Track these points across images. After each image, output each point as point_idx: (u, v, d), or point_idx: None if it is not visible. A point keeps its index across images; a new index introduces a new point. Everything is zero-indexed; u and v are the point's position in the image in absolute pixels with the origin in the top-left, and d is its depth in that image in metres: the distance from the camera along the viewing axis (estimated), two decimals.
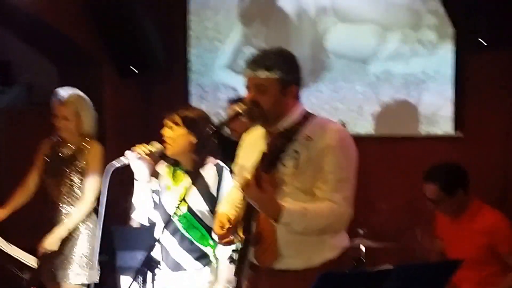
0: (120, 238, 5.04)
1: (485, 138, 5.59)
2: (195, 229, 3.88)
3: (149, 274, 3.21)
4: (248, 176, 2.92)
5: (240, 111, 3.12)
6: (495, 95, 5.57)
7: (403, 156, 6.01)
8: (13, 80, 7.61)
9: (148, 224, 4.05)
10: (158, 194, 4.00)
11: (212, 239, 3.84)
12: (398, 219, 5.83)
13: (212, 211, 3.82)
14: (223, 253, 3.82)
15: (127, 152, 3.88)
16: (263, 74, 3.05)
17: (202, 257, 3.91)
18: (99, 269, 4.65)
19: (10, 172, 4.85)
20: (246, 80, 3.12)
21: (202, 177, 3.87)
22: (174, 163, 3.99)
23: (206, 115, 4.00)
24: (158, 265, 3.02)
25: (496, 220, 4.30)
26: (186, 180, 3.90)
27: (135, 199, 4.01)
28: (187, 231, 3.06)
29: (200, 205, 3.86)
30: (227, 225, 3.14)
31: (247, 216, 3.11)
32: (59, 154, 4.68)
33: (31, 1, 6.08)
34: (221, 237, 3.17)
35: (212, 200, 3.83)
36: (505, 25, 4.91)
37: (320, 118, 3.21)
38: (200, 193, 3.87)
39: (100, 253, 4.66)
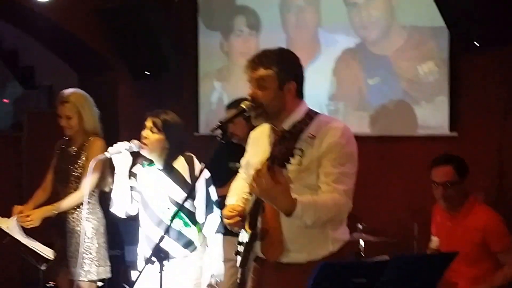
0: (130, 233, 4.97)
1: (479, 137, 5.49)
2: (179, 217, 3.98)
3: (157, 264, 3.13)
4: (260, 168, 2.85)
5: (245, 107, 3.06)
6: (489, 94, 5.48)
7: (399, 155, 5.93)
8: (36, 84, 7.64)
9: (125, 217, 4.18)
10: (135, 190, 4.10)
11: (196, 223, 4.02)
12: (396, 215, 5.75)
13: (191, 196, 3.98)
14: (209, 230, 4.03)
15: (109, 148, 4.02)
16: (261, 70, 3.05)
17: (189, 244, 4.05)
18: (110, 265, 4.55)
19: (34, 172, 4.80)
20: (248, 77, 3.10)
21: (176, 170, 4.02)
22: (149, 163, 4.09)
23: (182, 123, 4.12)
24: (167, 256, 2.99)
25: (489, 218, 4.22)
26: (161, 176, 4.02)
27: (113, 193, 4.11)
28: (171, 221, 3.06)
29: (180, 195, 3.96)
30: (237, 212, 3.13)
31: (254, 212, 3.07)
32: (67, 152, 4.59)
33: (53, 9, 6.17)
34: (229, 219, 3.15)
35: (188, 187, 3.95)
36: (497, 26, 4.84)
37: (324, 116, 3.19)
38: (178, 184, 4.00)
39: (112, 248, 4.61)
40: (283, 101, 3.06)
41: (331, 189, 2.96)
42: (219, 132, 2.97)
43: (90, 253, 4.44)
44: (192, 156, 4.07)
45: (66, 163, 4.55)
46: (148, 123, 4.01)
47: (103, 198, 4.56)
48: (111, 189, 4.21)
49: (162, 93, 7.05)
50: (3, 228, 4.32)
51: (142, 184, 4.10)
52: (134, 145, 4.00)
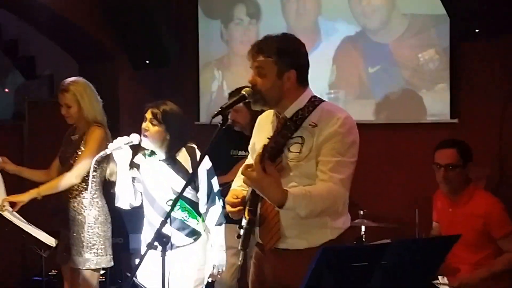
0: (133, 221, 4.97)
1: (480, 124, 5.50)
2: (183, 208, 3.99)
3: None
4: (252, 161, 2.88)
5: (245, 93, 3.05)
6: (489, 82, 5.48)
7: (400, 142, 5.94)
8: (37, 74, 7.64)
9: (129, 209, 4.20)
10: (139, 182, 4.12)
11: (199, 213, 4.03)
12: (397, 202, 5.76)
13: (194, 187, 3.99)
14: (211, 221, 4.05)
15: (109, 144, 4.04)
16: (260, 57, 3.02)
17: (192, 233, 4.05)
18: (112, 254, 4.54)
19: (35, 161, 4.80)
20: (249, 63, 3.08)
21: (178, 162, 4.02)
22: (151, 153, 4.09)
23: (182, 113, 4.10)
24: (169, 241, 2.98)
25: (489, 204, 4.21)
26: (163, 167, 4.02)
27: (117, 188, 4.12)
28: (171, 210, 3.06)
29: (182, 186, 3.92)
30: (240, 200, 3.12)
31: (254, 198, 3.05)
32: (70, 140, 4.60)
33: None
34: (232, 207, 3.14)
35: (190, 178, 3.94)
36: (498, 14, 4.83)
37: (327, 104, 3.14)
38: (181, 176, 3.99)
39: (114, 236, 4.61)
40: (282, 89, 3.03)
41: (327, 178, 2.93)
42: (219, 118, 2.95)
43: (90, 242, 4.43)
44: (194, 148, 4.06)
45: (68, 150, 4.55)
46: (148, 115, 4.00)
47: (106, 187, 4.56)
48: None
49: (162, 82, 7.07)
50: (5, 216, 4.32)
51: (144, 175, 4.11)
52: (134, 139, 4.00)
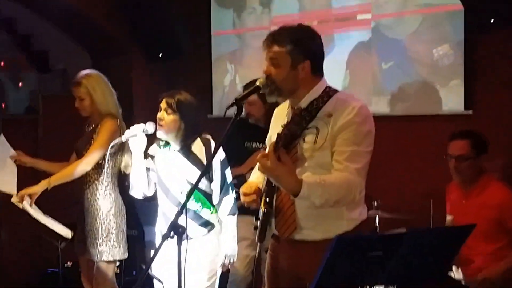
0: (147, 214, 4.98)
1: (494, 116, 5.48)
2: (197, 198, 4.01)
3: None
4: (267, 151, 2.87)
5: (259, 84, 3.06)
6: (504, 74, 5.46)
7: (414, 134, 5.93)
8: (50, 68, 7.67)
9: (144, 201, 4.25)
10: (153, 171, 4.14)
11: (212, 204, 4.06)
12: (412, 193, 5.76)
13: (208, 178, 4.01)
14: (224, 211, 4.08)
15: (125, 131, 4.07)
16: (275, 47, 3.02)
17: (206, 224, 4.08)
18: (126, 246, 4.55)
19: (49, 155, 4.82)
20: (264, 54, 3.07)
21: (193, 153, 4.04)
22: (165, 144, 4.10)
23: (196, 102, 4.11)
24: (184, 231, 2.99)
25: (504, 195, 4.20)
26: (178, 158, 4.04)
27: (131, 176, 4.15)
28: (187, 201, 3.07)
29: (197, 177, 3.90)
30: (253, 190, 3.12)
31: (270, 189, 3.06)
32: (85, 132, 4.63)
33: None
34: (245, 197, 3.15)
35: (205, 169, 3.96)
36: None
37: (342, 94, 3.13)
38: (196, 167, 4.00)
39: (129, 228, 4.62)
40: (297, 79, 3.03)
41: (343, 168, 2.93)
42: (233, 110, 2.96)
43: (103, 234, 4.44)
44: (209, 139, 4.08)
45: (83, 142, 4.58)
46: (163, 104, 4.02)
47: (121, 180, 4.58)
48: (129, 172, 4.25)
49: (175, 75, 7.08)
50: (23, 208, 4.35)
51: (159, 165, 4.12)
52: (149, 127, 4.02)
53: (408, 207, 5.45)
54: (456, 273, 4.22)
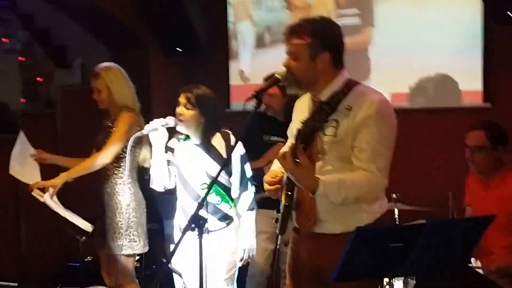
0: (168, 207, 5.00)
1: None
2: (217, 192, 4.03)
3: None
4: (286, 149, 2.89)
5: (279, 77, 3.06)
6: None
7: (433, 126, 5.92)
8: (68, 62, 7.70)
9: (164, 195, 4.27)
10: (173, 165, 4.16)
11: (231, 198, 4.09)
12: (431, 185, 5.75)
13: (227, 172, 4.04)
14: (243, 206, 4.11)
15: (146, 125, 4.10)
16: (294, 40, 3.01)
17: (225, 217, 4.11)
18: (146, 239, 4.57)
19: (68, 148, 4.86)
20: (284, 46, 3.07)
21: (213, 147, 4.07)
22: (185, 137, 4.12)
23: (215, 96, 4.14)
24: (206, 223, 3.02)
25: None
26: (198, 151, 4.06)
27: (152, 170, 4.18)
28: (207, 194, 3.09)
29: (216, 171, 3.93)
30: (278, 179, 3.12)
31: (290, 185, 3.05)
32: (103, 125, 4.64)
33: None
34: (269, 185, 3.14)
35: (225, 163, 3.98)
36: None
37: (363, 86, 3.11)
38: (216, 161, 4.02)
39: (148, 222, 4.64)
40: (316, 72, 3.01)
41: (363, 166, 2.93)
42: (253, 102, 2.97)
43: (123, 228, 4.47)
44: (228, 133, 4.10)
45: (101, 135, 4.60)
46: (182, 99, 4.04)
47: (141, 173, 4.60)
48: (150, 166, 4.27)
49: (193, 69, 7.09)
50: (44, 201, 4.38)
51: (179, 159, 4.15)
52: (170, 121, 4.04)
53: (427, 200, 5.44)
54: (475, 265, 4.21)
